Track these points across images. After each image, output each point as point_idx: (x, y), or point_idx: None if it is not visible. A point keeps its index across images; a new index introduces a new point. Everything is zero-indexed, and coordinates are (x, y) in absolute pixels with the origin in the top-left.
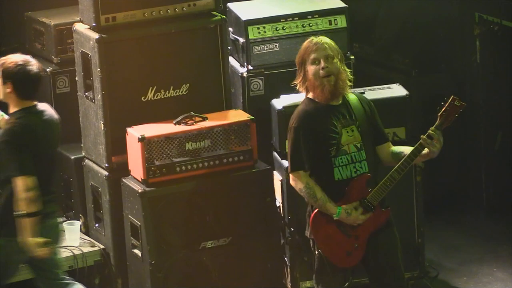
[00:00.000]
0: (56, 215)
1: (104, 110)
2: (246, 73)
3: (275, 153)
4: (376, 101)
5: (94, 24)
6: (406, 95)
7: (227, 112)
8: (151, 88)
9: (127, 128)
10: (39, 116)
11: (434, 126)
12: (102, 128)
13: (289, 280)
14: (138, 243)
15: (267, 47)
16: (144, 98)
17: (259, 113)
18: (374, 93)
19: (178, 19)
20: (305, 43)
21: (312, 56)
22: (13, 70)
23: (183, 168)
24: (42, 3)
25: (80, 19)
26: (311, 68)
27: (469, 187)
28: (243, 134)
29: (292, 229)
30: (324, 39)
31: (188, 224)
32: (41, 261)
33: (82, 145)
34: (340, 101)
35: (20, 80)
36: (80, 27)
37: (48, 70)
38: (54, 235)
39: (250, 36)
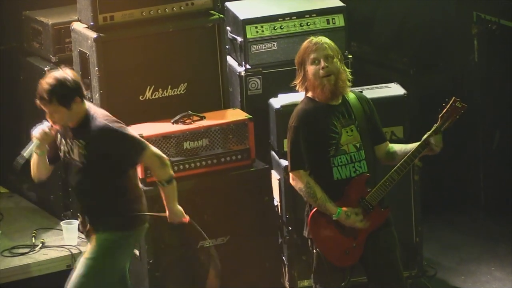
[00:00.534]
0: None
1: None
2: (244, 72)
3: (273, 152)
4: (374, 100)
5: (92, 23)
6: (404, 94)
7: (225, 111)
8: (149, 87)
9: None
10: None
11: (435, 127)
12: None
13: (287, 279)
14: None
15: (265, 46)
16: (142, 97)
17: (257, 112)
18: (372, 92)
19: (176, 18)
20: (305, 43)
21: (312, 56)
22: (71, 84)
23: (181, 167)
24: (40, 2)
25: (78, 18)
26: (311, 68)
27: (467, 186)
28: (241, 133)
29: (290, 228)
30: (324, 39)
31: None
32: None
33: None
34: (340, 101)
35: (80, 87)
36: (78, 26)
37: (46, 69)
38: None
39: (248, 35)
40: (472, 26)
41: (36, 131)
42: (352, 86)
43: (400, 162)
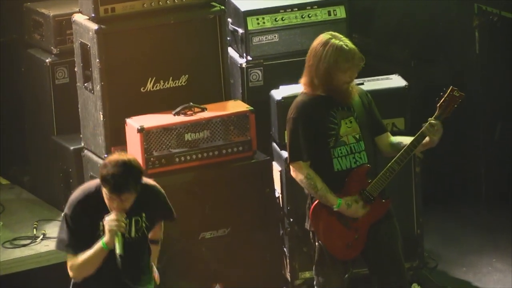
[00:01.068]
0: None
1: (103, 101)
2: (245, 64)
3: (274, 144)
4: (375, 92)
5: (93, 15)
6: (405, 85)
7: (226, 103)
8: (150, 79)
9: (126, 119)
10: None
11: (434, 116)
12: (101, 119)
13: (288, 270)
14: None
15: (266, 38)
16: (143, 89)
17: (258, 104)
18: (373, 83)
19: (177, 10)
20: (337, 48)
21: (347, 65)
22: (140, 165)
23: (182, 159)
24: None
25: (79, 10)
26: (341, 77)
27: (468, 178)
28: (242, 124)
29: (291, 220)
30: (354, 48)
31: (187, 215)
32: None
33: (81, 136)
34: None
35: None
36: (79, 18)
37: (47, 61)
38: None
39: (249, 27)
40: (473, 18)
41: (114, 224)
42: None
43: (400, 153)
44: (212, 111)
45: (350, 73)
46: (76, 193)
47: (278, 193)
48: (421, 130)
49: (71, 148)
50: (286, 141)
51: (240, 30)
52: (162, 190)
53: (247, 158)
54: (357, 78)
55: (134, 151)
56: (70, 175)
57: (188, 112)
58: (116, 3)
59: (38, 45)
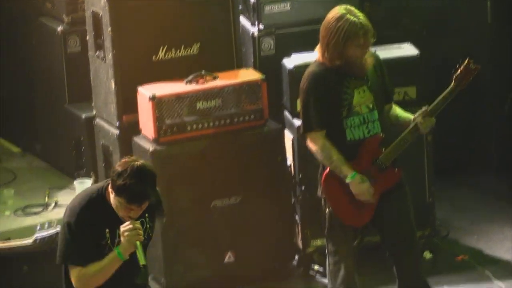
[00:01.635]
0: None
1: (115, 69)
2: (257, 32)
3: (286, 113)
4: (387, 60)
5: None
6: (417, 54)
7: (238, 71)
8: (162, 47)
9: (138, 87)
10: None
11: (449, 89)
12: (113, 87)
13: (300, 238)
14: None
15: (278, 6)
16: (155, 57)
17: (270, 73)
18: (385, 52)
19: None
20: (350, 22)
21: (362, 41)
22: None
23: (194, 127)
24: None
25: None
26: (355, 50)
27: (479, 148)
28: (254, 93)
29: (303, 188)
30: (366, 20)
31: (198, 183)
32: None
33: (93, 104)
34: None
35: None
36: None
37: (58, 29)
38: None
39: None
40: None
41: (133, 234)
42: None
43: (415, 123)
44: (223, 80)
45: (362, 49)
46: (78, 200)
47: (289, 161)
48: (415, 123)
49: (83, 116)
50: (299, 111)
51: None
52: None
53: (259, 126)
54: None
55: (145, 119)
56: (81, 143)
57: (200, 81)
58: None
59: (49, 13)
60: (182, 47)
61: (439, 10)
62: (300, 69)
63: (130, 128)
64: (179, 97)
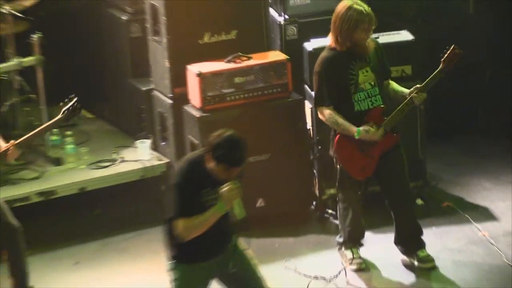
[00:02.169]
0: None
1: (169, 51)
2: (283, 21)
3: (306, 86)
4: (388, 44)
5: None
6: (412, 39)
7: (267, 53)
8: (206, 32)
9: (187, 66)
10: None
11: (438, 70)
12: (167, 66)
13: (317, 188)
14: None
15: (300, 0)
16: (201, 41)
17: (293, 54)
18: (387, 38)
19: None
20: (356, 11)
21: (366, 25)
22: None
23: (232, 97)
24: None
25: None
26: (361, 35)
27: (465, 114)
28: (281, 70)
29: (320, 147)
30: (368, 8)
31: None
32: None
33: (151, 79)
34: None
35: None
36: None
37: (123, 18)
38: None
39: None
40: None
41: (235, 192)
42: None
43: (410, 97)
44: (256, 60)
45: (367, 32)
46: (183, 164)
47: (309, 126)
48: (410, 97)
49: (143, 89)
50: (314, 89)
51: None
52: None
53: (284, 97)
54: (374, 32)
55: (193, 91)
56: (142, 111)
57: (237, 60)
58: None
59: (116, 5)
60: (223, 33)
61: (430, 2)
62: (318, 51)
63: (181, 99)
64: (220, 74)
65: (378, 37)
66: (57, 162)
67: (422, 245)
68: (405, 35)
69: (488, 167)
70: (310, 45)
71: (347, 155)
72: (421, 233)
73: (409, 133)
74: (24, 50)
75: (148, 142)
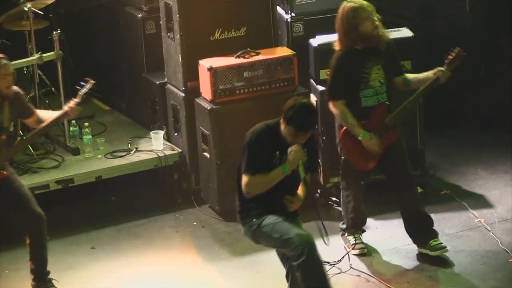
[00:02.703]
0: None
1: (182, 47)
2: (290, 18)
3: (311, 80)
4: None
5: None
6: (412, 36)
7: (275, 48)
8: (217, 29)
9: (199, 61)
10: None
11: (445, 68)
12: (180, 60)
13: (321, 176)
14: (207, 147)
15: None
16: (212, 38)
17: (299, 50)
18: (388, 34)
19: None
20: (349, 9)
21: (364, 15)
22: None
23: (241, 91)
24: None
25: None
26: (365, 25)
27: (462, 106)
28: (287, 65)
29: (324, 138)
30: (365, 3)
31: (245, 132)
32: None
33: (165, 73)
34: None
35: None
36: None
37: (139, 16)
38: None
39: None
40: None
41: (300, 154)
42: None
43: (413, 96)
44: (264, 55)
45: (370, 20)
46: (259, 126)
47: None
48: (436, 76)
49: (157, 82)
50: (327, 82)
51: None
52: None
53: (291, 91)
54: None
55: (205, 85)
56: (156, 103)
57: (246, 56)
58: None
59: (132, 3)
60: (233, 29)
61: (429, 1)
62: (323, 47)
63: (193, 92)
64: (230, 68)
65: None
66: (75, 152)
67: (434, 234)
68: (405, 32)
69: (484, 156)
70: (315, 41)
71: (351, 147)
72: (431, 223)
73: (409, 125)
74: (45, 46)
75: (161, 133)
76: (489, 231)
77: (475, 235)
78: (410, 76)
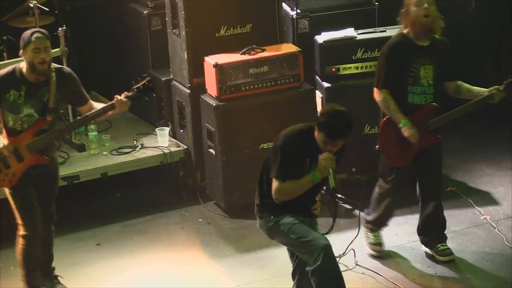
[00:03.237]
0: None
1: (187, 43)
2: (295, 15)
3: (317, 77)
4: None
5: None
6: None
7: (280, 45)
8: (223, 26)
9: (204, 57)
10: None
11: (502, 87)
12: (186, 57)
13: None
14: (212, 144)
15: None
16: (217, 34)
17: (305, 46)
18: (394, 31)
19: None
20: None
21: (420, 4)
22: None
23: (247, 87)
24: None
25: None
26: (414, 9)
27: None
28: (293, 62)
29: None
30: None
31: (250, 130)
32: None
33: (170, 70)
34: (427, 43)
35: None
36: None
37: (144, 12)
38: None
39: None
40: None
41: (330, 163)
42: (379, 26)
43: (464, 106)
44: (270, 52)
45: (423, 9)
46: (292, 130)
47: (319, 114)
48: (491, 93)
49: (163, 79)
50: (376, 71)
51: None
52: None
53: (296, 87)
54: (381, 26)
55: (210, 81)
56: (161, 99)
57: (252, 52)
58: None
59: (138, 0)
60: (238, 26)
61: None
62: (328, 44)
63: (198, 88)
64: (236, 65)
65: (385, 31)
66: (81, 148)
67: (443, 239)
68: None
69: (490, 153)
70: (320, 38)
71: (388, 139)
72: (444, 227)
73: None
74: (50, 42)
75: (167, 130)
76: (495, 228)
77: (480, 232)
78: (463, 85)
